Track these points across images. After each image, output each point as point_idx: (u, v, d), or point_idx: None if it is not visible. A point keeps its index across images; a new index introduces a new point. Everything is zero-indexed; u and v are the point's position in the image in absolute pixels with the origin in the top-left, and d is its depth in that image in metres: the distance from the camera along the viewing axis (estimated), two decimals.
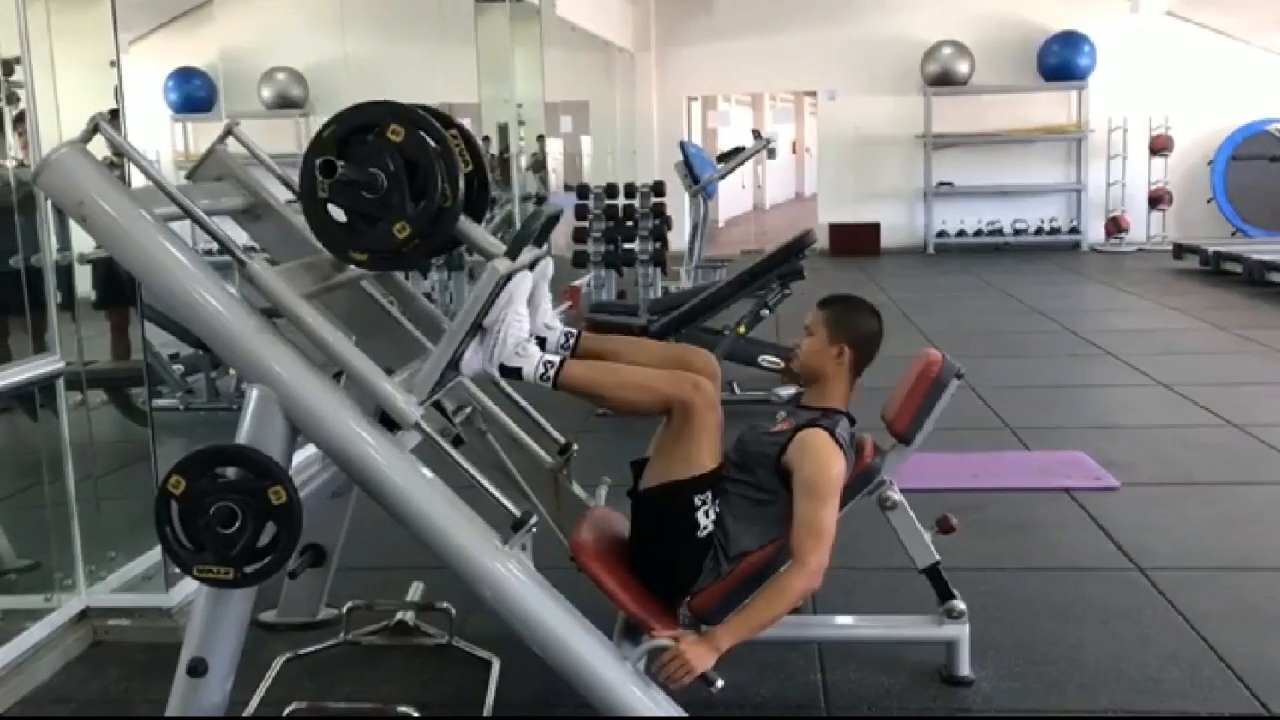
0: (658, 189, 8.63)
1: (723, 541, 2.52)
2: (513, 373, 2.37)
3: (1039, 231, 13.27)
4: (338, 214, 2.16)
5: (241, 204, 2.55)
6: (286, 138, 10.04)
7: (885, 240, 13.41)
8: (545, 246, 2.51)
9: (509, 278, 2.26)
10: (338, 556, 2.98)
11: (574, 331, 2.59)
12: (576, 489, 2.81)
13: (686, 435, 2.45)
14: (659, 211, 8.53)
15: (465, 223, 2.23)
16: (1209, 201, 12.86)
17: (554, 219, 2.55)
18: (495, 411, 2.78)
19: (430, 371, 2.23)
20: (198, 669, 2.22)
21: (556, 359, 2.40)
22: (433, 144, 2.12)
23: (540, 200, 10.04)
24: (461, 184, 2.14)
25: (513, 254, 2.23)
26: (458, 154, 2.16)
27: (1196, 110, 12.79)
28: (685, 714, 2.28)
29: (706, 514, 2.49)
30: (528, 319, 2.37)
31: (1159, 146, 12.83)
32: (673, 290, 8.25)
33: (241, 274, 2.09)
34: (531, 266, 2.41)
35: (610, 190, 8.70)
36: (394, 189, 2.10)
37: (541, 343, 2.49)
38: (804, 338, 2.73)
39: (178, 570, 2.57)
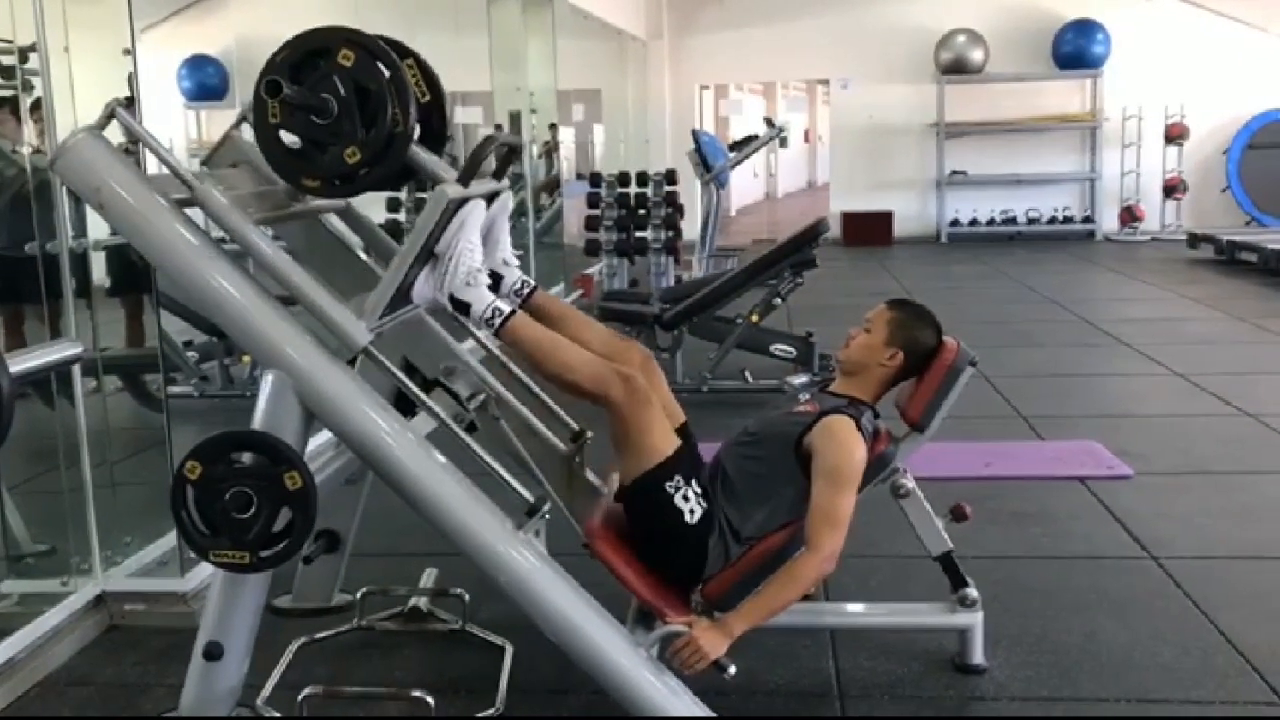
0: (670, 177, 8.61)
1: (730, 523, 2.52)
2: (462, 306, 2.31)
3: (1053, 221, 13.22)
4: (293, 143, 2.14)
5: (256, 190, 2.55)
6: None
7: (898, 229, 13.36)
8: (505, 180, 2.48)
9: (460, 204, 2.22)
10: (352, 542, 3.00)
11: (530, 281, 2.55)
12: (590, 476, 2.81)
13: (628, 429, 2.42)
14: (671, 200, 8.51)
15: (419, 151, 2.21)
16: (1224, 190, 12.79)
17: (514, 148, 2.51)
18: (509, 398, 2.78)
19: (380, 296, 2.18)
20: (213, 653, 2.23)
21: (507, 307, 2.34)
22: (384, 69, 2.10)
23: (554, 188, 10.04)
24: (414, 111, 2.12)
25: (463, 180, 2.20)
26: (412, 82, 2.15)
27: (1212, 99, 12.71)
28: (698, 700, 2.28)
29: (686, 498, 2.46)
30: (480, 250, 2.32)
31: (1174, 135, 12.76)
32: (685, 279, 8.24)
33: (192, 197, 2.06)
34: (490, 201, 2.38)
35: (622, 179, 8.67)
36: (345, 114, 2.08)
37: (497, 283, 2.45)
38: (860, 330, 2.74)
39: (193, 555, 2.58)
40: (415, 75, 2.19)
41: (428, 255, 2.27)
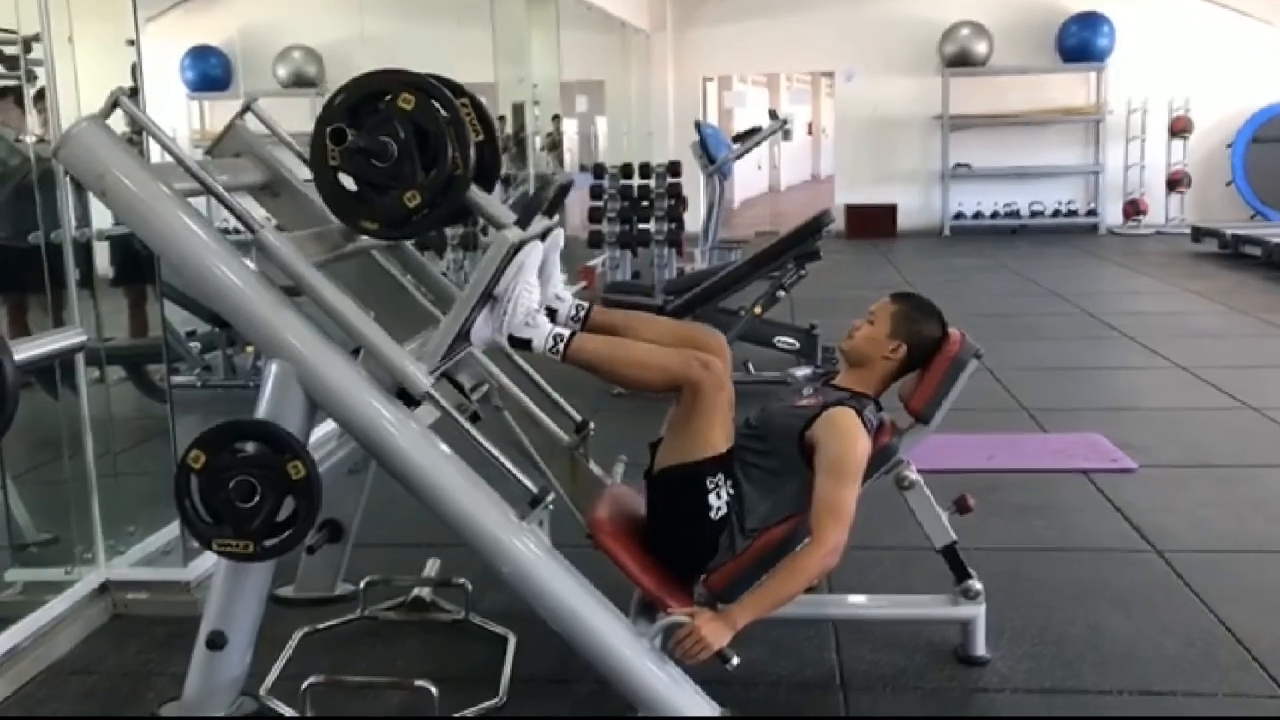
0: (673, 169, 8.61)
1: (738, 517, 2.52)
2: (522, 344, 2.35)
3: (1056, 214, 13.20)
4: (349, 183, 2.15)
5: (260, 180, 2.56)
6: (302, 116, 10.00)
7: (902, 222, 13.35)
8: (556, 217, 2.49)
9: (519, 247, 2.24)
10: (355, 532, 3.00)
11: (585, 304, 2.59)
12: (593, 467, 2.82)
13: (696, 415, 2.44)
14: (674, 192, 8.51)
15: (475, 192, 2.22)
16: (1228, 184, 12.76)
17: (565, 189, 2.53)
18: (512, 389, 2.78)
19: (440, 340, 2.22)
20: (216, 642, 2.24)
21: (566, 332, 2.38)
22: (444, 112, 2.11)
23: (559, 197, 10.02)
24: (473, 153, 2.13)
25: (523, 223, 2.22)
26: (469, 123, 2.15)
27: (1217, 92, 12.68)
28: (701, 691, 2.28)
29: (719, 495, 2.48)
30: (538, 289, 2.35)
31: (1179, 128, 12.74)
32: (688, 271, 8.23)
33: (254, 243, 2.08)
34: (543, 237, 2.39)
35: (626, 170, 8.68)
36: (404, 157, 2.09)
37: (552, 314, 2.48)
38: (864, 322, 2.74)
39: (196, 545, 2.59)
40: (469, 114, 2.19)
41: (487, 297, 2.28)
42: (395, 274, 2.68)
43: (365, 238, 2.35)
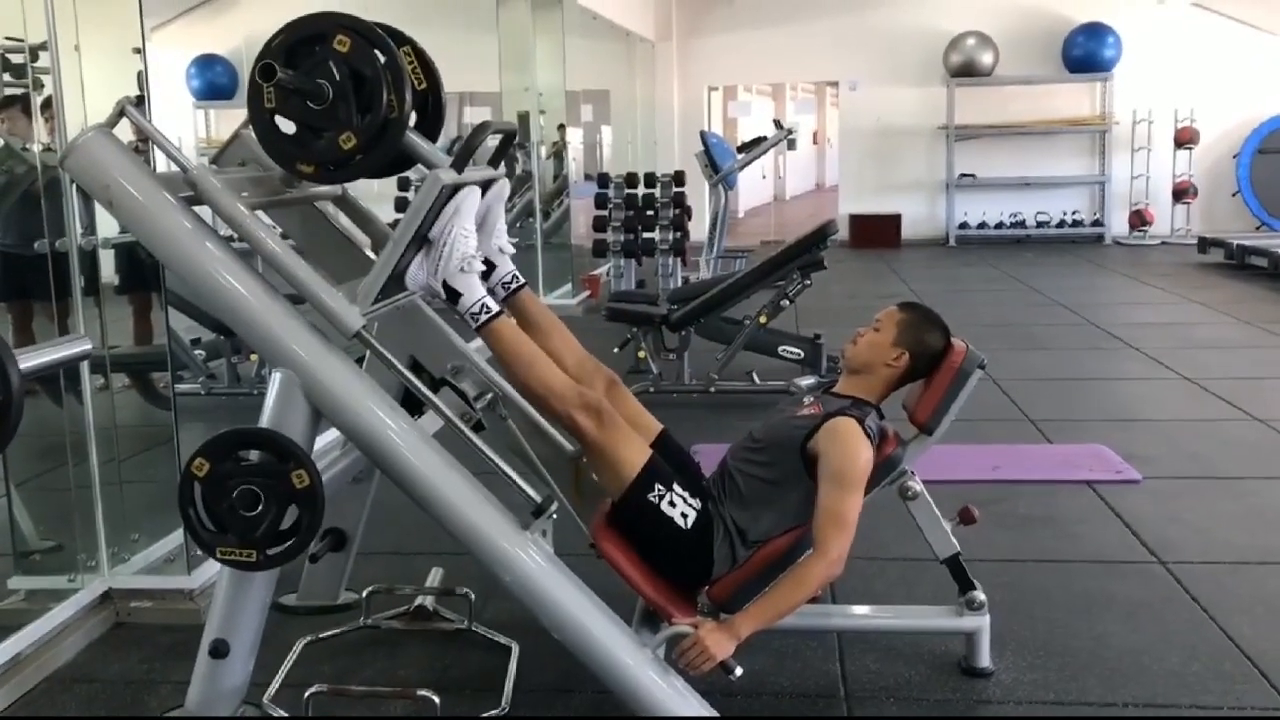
0: (678, 179, 8.62)
1: (737, 526, 2.51)
2: (454, 295, 2.32)
3: (1062, 224, 13.20)
4: (288, 129, 2.14)
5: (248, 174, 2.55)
6: None
7: (906, 232, 13.35)
8: (501, 167, 2.48)
9: (455, 190, 2.22)
10: (358, 541, 3.00)
11: (520, 278, 2.56)
12: (596, 476, 2.81)
13: (598, 452, 2.41)
14: (679, 201, 8.52)
15: (414, 138, 2.21)
16: (1234, 195, 12.76)
17: (510, 136, 2.50)
18: (516, 398, 2.78)
19: (373, 281, 2.18)
20: (219, 650, 2.24)
21: (495, 307, 2.36)
22: (381, 57, 2.10)
23: (561, 188, 10.04)
24: (410, 97, 2.12)
25: (458, 165, 2.20)
26: (408, 68, 2.15)
27: (1222, 103, 12.69)
28: (704, 702, 2.28)
29: (672, 503, 2.45)
30: (474, 236, 2.32)
31: (1184, 139, 12.74)
32: (693, 280, 8.24)
33: (187, 180, 2.06)
34: (486, 188, 2.38)
35: (630, 179, 8.69)
36: (340, 99, 2.08)
37: (491, 270, 2.46)
38: (869, 330, 2.74)
39: (200, 553, 2.59)
40: (412, 62, 2.19)
41: (422, 240, 2.26)
42: (341, 228, 2.65)
43: (309, 187, 2.34)
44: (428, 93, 2.26)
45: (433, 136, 2.30)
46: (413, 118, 2.21)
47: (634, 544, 2.52)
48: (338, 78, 2.08)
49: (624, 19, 11.78)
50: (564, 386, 2.41)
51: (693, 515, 2.47)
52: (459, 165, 2.21)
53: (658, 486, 2.45)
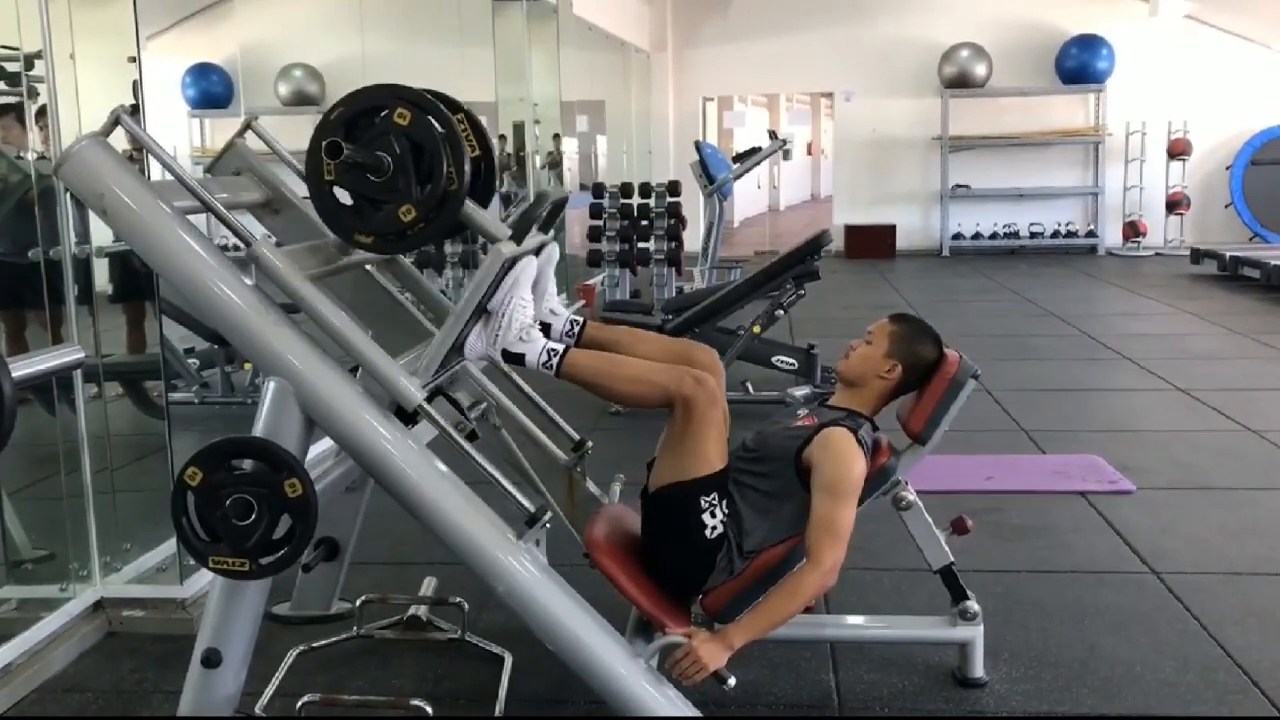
0: (673, 189, 8.63)
1: (735, 538, 2.51)
2: (516, 358, 2.35)
3: (1055, 235, 13.23)
4: (344, 198, 2.16)
5: (260, 198, 2.56)
6: (303, 134, 10.01)
7: (901, 242, 13.39)
8: (551, 232, 2.50)
9: (514, 262, 2.25)
10: (351, 550, 2.99)
11: (579, 319, 2.59)
12: (591, 486, 2.81)
13: (690, 432, 2.43)
14: (674, 211, 8.53)
15: (471, 207, 2.22)
16: (1227, 206, 12.81)
17: (560, 204, 2.54)
18: (510, 407, 2.78)
19: (434, 354, 2.22)
20: (212, 660, 2.23)
21: (560, 347, 2.38)
22: (439, 128, 2.11)
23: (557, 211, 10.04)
24: (468, 168, 2.14)
25: (517, 238, 2.23)
26: (465, 138, 2.16)
27: (1215, 114, 12.75)
28: (697, 712, 2.27)
29: (714, 514, 2.47)
30: (532, 304, 2.36)
31: (1177, 150, 12.79)
32: (687, 290, 8.25)
33: (249, 256, 2.09)
34: (537, 252, 2.40)
35: (625, 189, 8.70)
36: (400, 172, 2.10)
37: (546, 329, 2.48)
38: (861, 342, 2.74)
39: (192, 562, 2.58)
40: (465, 129, 2.19)
41: (481, 311, 2.28)
42: (392, 290, 2.68)
43: (361, 252, 2.36)
44: (480, 159, 2.26)
45: (484, 202, 2.31)
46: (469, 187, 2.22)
47: (647, 531, 2.53)
48: (398, 150, 2.10)
49: (619, 30, 11.81)
50: (660, 371, 2.42)
51: (719, 530, 2.48)
52: (518, 237, 2.23)
53: (714, 495, 2.47)
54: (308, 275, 2.14)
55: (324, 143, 2.07)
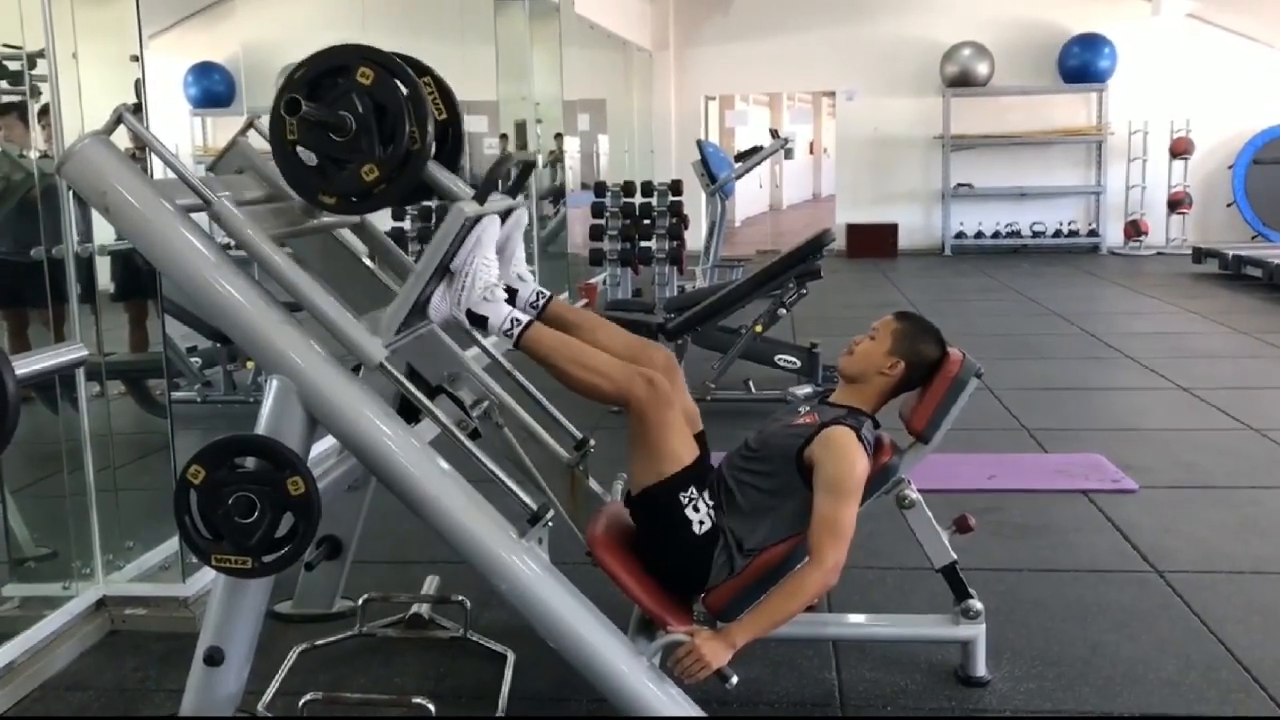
0: (675, 188, 8.63)
1: (734, 535, 2.51)
2: (479, 320, 2.33)
3: (1057, 234, 13.23)
4: (309, 159, 2.15)
5: (262, 196, 2.56)
6: None
7: (903, 241, 13.39)
8: (520, 196, 2.49)
9: (476, 221, 2.24)
10: (354, 549, 3.00)
11: (545, 292, 2.57)
12: (593, 484, 2.81)
13: (648, 436, 2.42)
14: (676, 210, 8.53)
15: (435, 168, 2.22)
16: (1229, 205, 12.79)
17: (529, 166, 2.53)
18: (512, 406, 2.78)
19: (395, 312, 2.20)
20: (214, 658, 2.23)
21: (525, 317, 2.36)
22: (403, 89, 2.11)
23: (559, 197, 10.05)
24: (432, 128, 2.13)
25: (479, 197, 2.22)
26: (429, 99, 2.16)
27: (1218, 113, 12.73)
28: (700, 710, 2.27)
29: (696, 508, 2.46)
30: (496, 265, 2.34)
31: (1179, 149, 12.77)
32: (689, 289, 8.24)
33: (209, 212, 2.07)
34: (505, 217, 2.39)
35: (627, 188, 8.70)
36: (362, 131, 2.09)
37: (512, 296, 2.46)
38: (864, 338, 2.74)
39: (195, 560, 2.59)
40: (432, 93, 2.19)
41: (444, 271, 2.28)
42: (361, 258, 2.67)
43: (327, 216, 2.35)
44: (448, 123, 2.26)
45: (452, 166, 2.31)
46: (433, 148, 2.21)
47: (639, 538, 2.53)
48: (360, 110, 2.10)
49: (621, 29, 11.81)
50: (613, 365, 2.41)
51: (708, 524, 2.47)
52: (481, 197, 2.22)
53: (691, 489, 2.46)
54: (270, 235, 2.13)
55: (283, 98, 2.07)
